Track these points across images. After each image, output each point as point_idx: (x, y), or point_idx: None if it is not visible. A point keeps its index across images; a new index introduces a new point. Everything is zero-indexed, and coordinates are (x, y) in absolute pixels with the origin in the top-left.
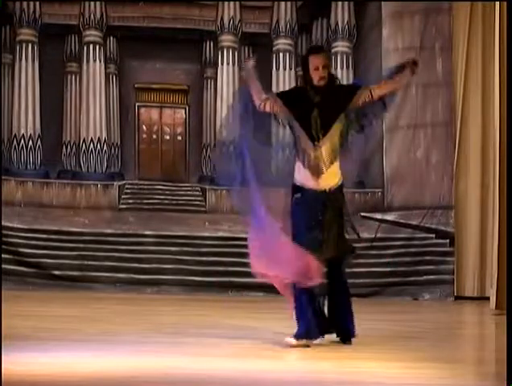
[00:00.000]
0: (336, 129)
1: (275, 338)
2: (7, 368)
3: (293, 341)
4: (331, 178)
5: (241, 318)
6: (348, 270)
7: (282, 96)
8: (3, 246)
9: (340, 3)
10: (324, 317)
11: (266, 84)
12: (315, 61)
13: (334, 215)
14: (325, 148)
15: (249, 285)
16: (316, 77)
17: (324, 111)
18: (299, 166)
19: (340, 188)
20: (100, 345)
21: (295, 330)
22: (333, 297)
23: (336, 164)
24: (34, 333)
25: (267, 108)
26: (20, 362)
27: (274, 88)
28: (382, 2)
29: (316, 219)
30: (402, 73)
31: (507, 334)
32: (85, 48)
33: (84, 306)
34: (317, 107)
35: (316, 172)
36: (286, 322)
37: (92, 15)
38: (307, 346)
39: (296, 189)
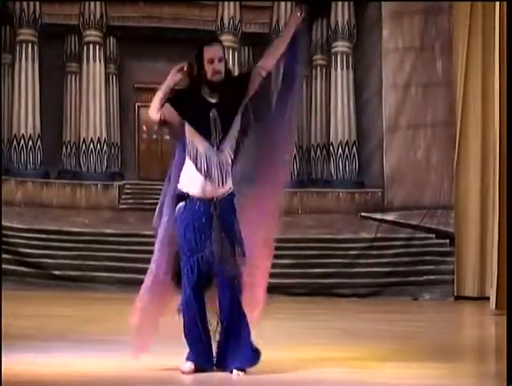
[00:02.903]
0: (235, 129)
1: (272, 337)
2: (7, 368)
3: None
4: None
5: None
6: (348, 270)
7: (172, 98)
8: (3, 246)
9: (340, 3)
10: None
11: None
12: (209, 53)
13: (223, 228)
14: (227, 151)
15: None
16: (210, 71)
17: (223, 111)
18: (188, 172)
19: (230, 197)
20: (100, 345)
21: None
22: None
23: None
24: (34, 333)
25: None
26: (20, 362)
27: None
28: (382, 2)
29: (203, 232)
30: (286, 28)
31: (507, 334)
32: (85, 48)
33: (84, 306)
34: (215, 107)
35: (215, 180)
36: (284, 322)
37: (92, 15)
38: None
39: (180, 197)
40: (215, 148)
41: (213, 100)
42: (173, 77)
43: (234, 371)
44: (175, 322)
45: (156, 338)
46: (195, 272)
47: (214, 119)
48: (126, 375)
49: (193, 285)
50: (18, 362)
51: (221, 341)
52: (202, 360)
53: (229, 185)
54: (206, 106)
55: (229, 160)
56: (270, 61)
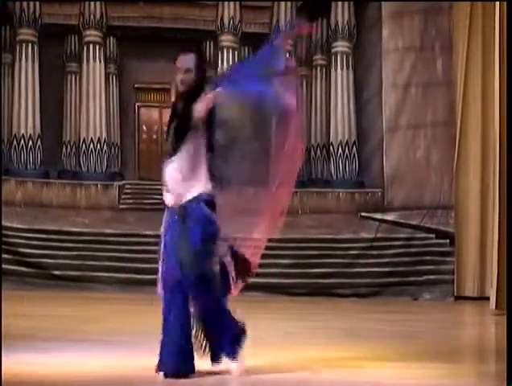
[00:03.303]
0: (189, 144)
1: (271, 337)
2: (7, 368)
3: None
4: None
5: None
6: (348, 270)
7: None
8: (3, 246)
9: (340, 3)
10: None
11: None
12: (178, 62)
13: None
14: (177, 165)
15: (248, 284)
16: (177, 80)
17: (181, 122)
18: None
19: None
20: (100, 345)
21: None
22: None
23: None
24: (34, 333)
25: None
26: (20, 362)
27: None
28: (382, 2)
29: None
30: None
31: (507, 334)
32: (85, 48)
33: (84, 306)
34: (177, 117)
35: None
36: (284, 322)
37: (92, 15)
38: None
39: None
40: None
41: (179, 108)
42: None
43: (233, 366)
44: None
45: (157, 339)
46: (165, 278)
47: (173, 129)
48: (126, 374)
49: (169, 291)
50: (18, 362)
51: (206, 337)
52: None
53: (195, 190)
54: (174, 113)
55: (188, 167)
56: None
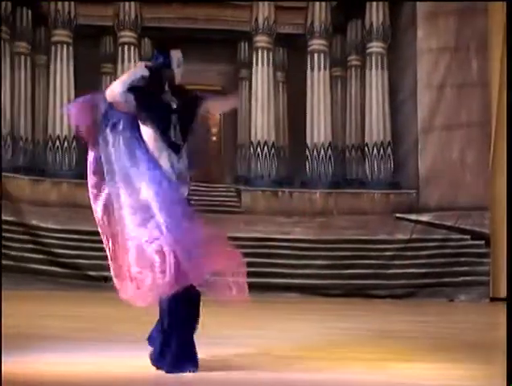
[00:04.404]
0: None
1: (306, 338)
2: (39, 368)
3: None
4: None
5: (274, 319)
6: (383, 271)
7: (137, 90)
8: (37, 246)
9: (374, 3)
10: None
11: (301, 85)
12: (178, 56)
13: None
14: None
15: (284, 285)
16: (178, 74)
17: (183, 119)
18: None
19: None
20: (132, 345)
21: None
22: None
23: None
24: (65, 333)
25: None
26: (50, 362)
27: (308, 90)
28: (417, 2)
29: None
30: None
31: (507, 334)
32: (120, 49)
33: (117, 306)
34: (176, 113)
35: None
36: (318, 323)
37: (126, 16)
38: None
39: None
40: (178, 155)
41: (174, 106)
42: (140, 71)
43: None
44: (204, 323)
45: None
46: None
47: (174, 124)
48: (155, 374)
49: None
50: (49, 362)
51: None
52: None
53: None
54: (168, 110)
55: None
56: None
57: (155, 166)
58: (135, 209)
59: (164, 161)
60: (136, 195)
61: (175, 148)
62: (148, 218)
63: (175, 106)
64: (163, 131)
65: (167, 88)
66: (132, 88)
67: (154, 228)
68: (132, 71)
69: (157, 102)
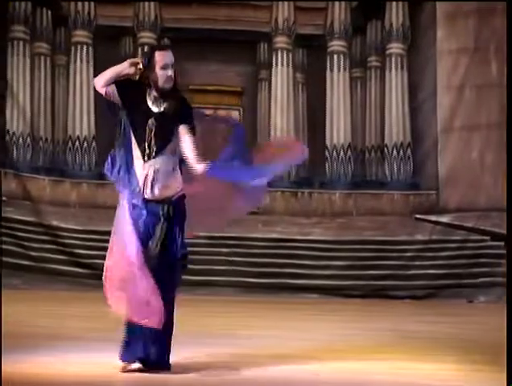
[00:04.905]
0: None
1: (326, 339)
2: (59, 369)
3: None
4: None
5: (294, 320)
6: (402, 272)
7: (120, 84)
8: (57, 247)
9: (394, 4)
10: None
11: (321, 86)
12: (164, 58)
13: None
14: (154, 168)
15: (304, 286)
16: (164, 77)
17: (163, 123)
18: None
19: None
20: None
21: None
22: None
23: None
24: (82, 334)
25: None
26: (70, 362)
27: (328, 91)
28: (437, 4)
29: None
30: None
31: (507, 335)
32: (140, 50)
33: None
34: (155, 117)
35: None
36: (338, 323)
37: (146, 17)
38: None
39: None
40: (144, 160)
41: (156, 110)
42: (127, 69)
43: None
44: (226, 323)
45: (207, 340)
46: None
47: (150, 128)
48: (178, 376)
49: None
50: (68, 362)
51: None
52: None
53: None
54: (147, 114)
55: (170, 166)
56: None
57: (125, 183)
58: None
59: (139, 170)
60: None
61: (148, 155)
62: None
63: (156, 110)
64: (138, 135)
65: (153, 91)
66: (118, 84)
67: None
68: (114, 66)
69: (137, 104)
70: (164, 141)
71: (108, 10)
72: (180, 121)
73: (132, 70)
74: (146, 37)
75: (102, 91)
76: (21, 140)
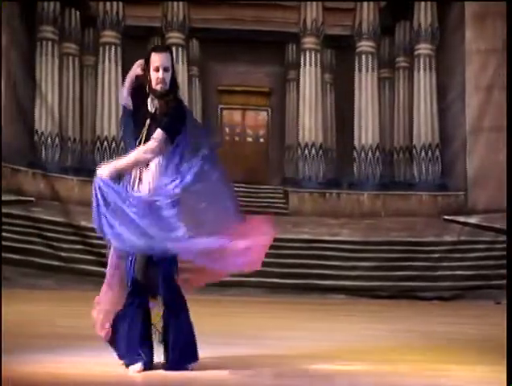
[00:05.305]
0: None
1: (354, 340)
2: (86, 368)
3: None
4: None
5: (321, 321)
6: (430, 273)
7: (133, 90)
8: (86, 247)
9: (422, 4)
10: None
11: (349, 86)
12: (155, 60)
13: None
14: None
15: (331, 287)
16: (155, 80)
17: (153, 126)
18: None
19: None
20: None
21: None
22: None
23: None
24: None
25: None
26: (99, 362)
27: (356, 91)
28: (465, 4)
29: None
30: None
31: (507, 335)
32: None
33: None
34: (150, 117)
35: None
36: (366, 324)
37: (174, 17)
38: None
39: None
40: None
41: (152, 110)
42: (136, 69)
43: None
44: (255, 324)
45: (237, 340)
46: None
47: (148, 131)
48: (209, 377)
49: None
50: (101, 362)
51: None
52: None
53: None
54: (145, 114)
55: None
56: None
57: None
58: None
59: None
60: None
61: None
62: None
63: (152, 110)
64: (136, 133)
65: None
66: (132, 90)
67: None
68: (129, 74)
69: (141, 104)
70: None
71: (136, 10)
72: (160, 124)
73: (138, 70)
74: (175, 37)
75: (127, 102)
76: (49, 140)
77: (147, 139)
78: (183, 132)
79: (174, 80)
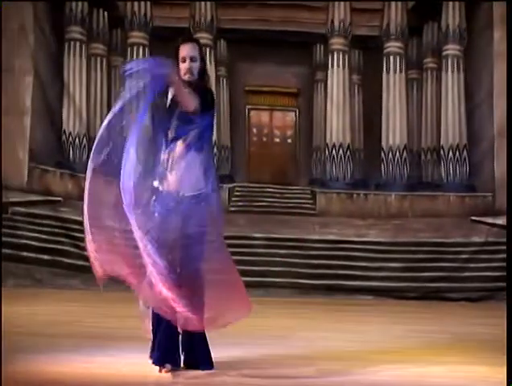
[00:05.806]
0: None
1: (382, 341)
2: (116, 368)
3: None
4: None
5: (349, 322)
6: (458, 274)
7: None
8: None
9: (450, 4)
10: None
11: (377, 87)
12: (182, 51)
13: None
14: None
15: (359, 288)
16: (183, 70)
17: (183, 112)
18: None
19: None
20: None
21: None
22: None
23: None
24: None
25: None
26: (126, 363)
27: (384, 92)
28: (494, 4)
29: None
30: None
31: (507, 335)
32: None
33: None
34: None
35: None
36: (393, 325)
37: (202, 18)
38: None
39: None
40: (168, 147)
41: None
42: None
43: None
44: (282, 324)
45: (264, 341)
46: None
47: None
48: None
49: None
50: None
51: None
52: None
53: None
54: (173, 100)
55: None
56: None
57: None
58: None
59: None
60: None
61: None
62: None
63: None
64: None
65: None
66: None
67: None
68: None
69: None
70: (182, 130)
71: (164, 11)
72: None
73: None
74: (203, 38)
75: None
76: (77, 140)
77: (176, 128)
78: (209, 117)
79: (203, 70)
